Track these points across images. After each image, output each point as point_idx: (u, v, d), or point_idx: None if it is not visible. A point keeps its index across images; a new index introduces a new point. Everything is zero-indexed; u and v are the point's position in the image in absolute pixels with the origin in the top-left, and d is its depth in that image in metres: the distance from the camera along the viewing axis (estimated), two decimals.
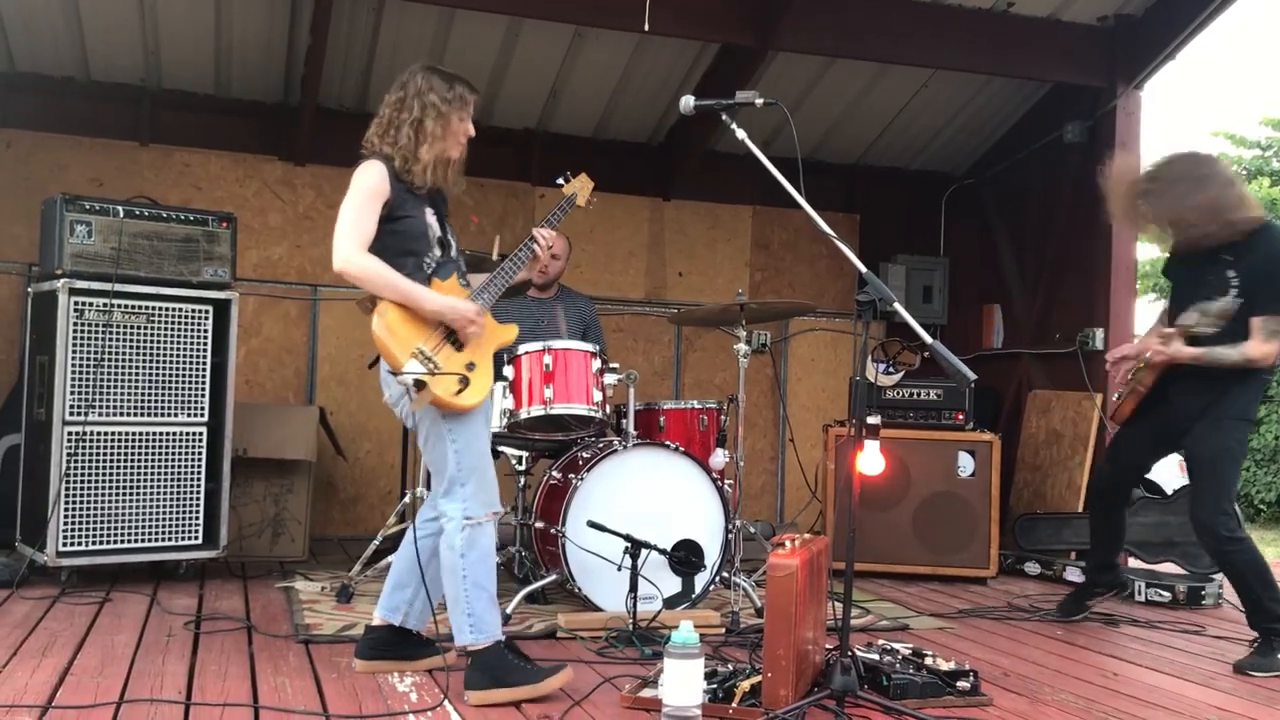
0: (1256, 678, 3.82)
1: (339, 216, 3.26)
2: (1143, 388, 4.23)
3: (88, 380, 4.55)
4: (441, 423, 3.22)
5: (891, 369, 5.62)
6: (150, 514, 4.67)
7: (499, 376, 4.11)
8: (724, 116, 3.51)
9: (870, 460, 3.21)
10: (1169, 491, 6.18)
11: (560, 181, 3.75)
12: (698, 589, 4.38)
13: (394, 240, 3.27)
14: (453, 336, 3.25)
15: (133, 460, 4.64)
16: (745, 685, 3.09)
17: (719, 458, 4.59)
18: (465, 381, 3.19)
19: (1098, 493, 4.60)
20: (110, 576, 4.72)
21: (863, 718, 3.08)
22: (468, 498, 3.22)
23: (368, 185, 3.26)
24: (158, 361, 4.70)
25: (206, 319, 4.81)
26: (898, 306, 3.18)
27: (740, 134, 3.45)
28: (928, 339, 3.15)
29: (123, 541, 4.62)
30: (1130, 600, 5.15)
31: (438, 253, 3.33)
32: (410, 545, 3.42)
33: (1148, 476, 7.14)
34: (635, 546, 4.00)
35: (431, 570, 3.37)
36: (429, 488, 4.69)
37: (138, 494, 4.65)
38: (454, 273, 3.34)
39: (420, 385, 3.12)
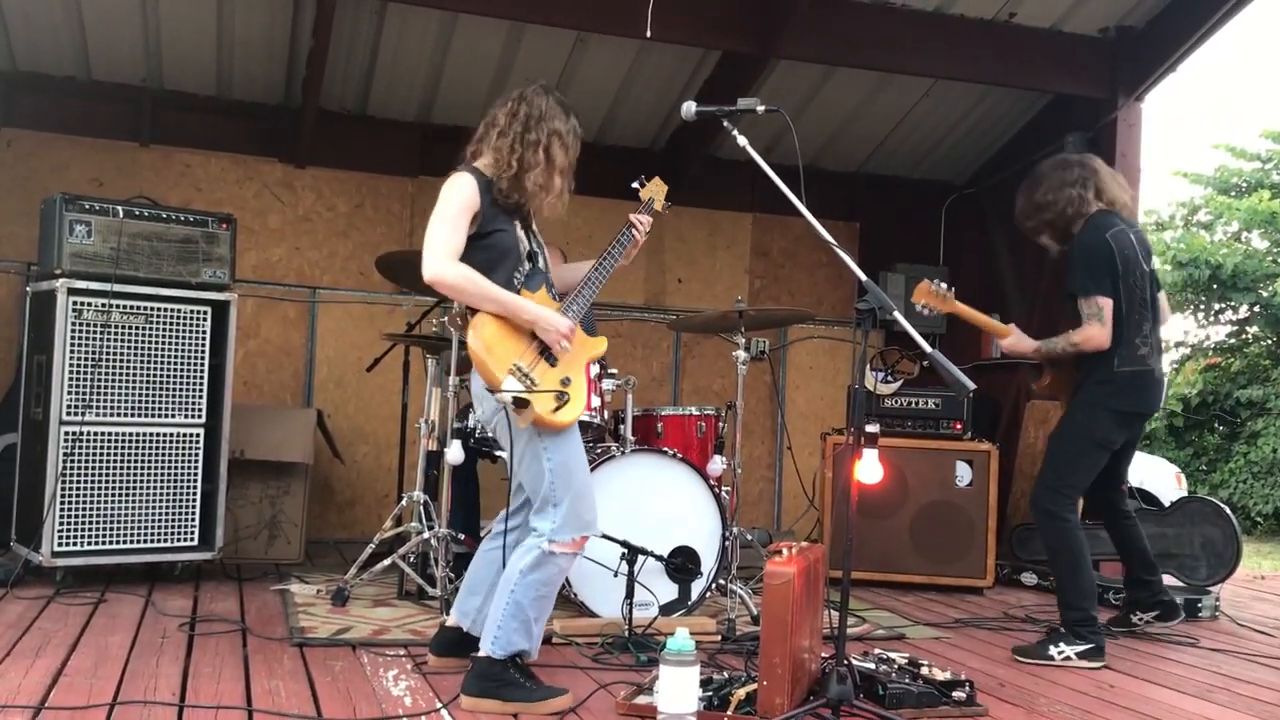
0: (1021, 662, 4.04)
1: (428, 228, 3.20)
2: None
3: (85, 380, 4.54)
4: (537, 440, 3.16)
5: (890, 378, 5.61)
6: (146, 515, 4.66)
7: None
8: (725, 123, 3.51)
9: (869, 469, 3.21)
10: (1165, 504, 6.18)
11: (636, 186, 3.70)
12: (694, 596, 4.37)
13: (484, 255, 3.22)
14: (547, 351, 3.20)
15: (129, 461, 4.63)
16: (741, 693, 3.08)
17: (717, 464, 4.59)
18: (562, 398, 3.15)
19: (1088, 502, 4.66)
20: (105, 577, 4.71)
21: None
22: (558, 519, 3.16)
23: (459, 198, 3.20)
24: (155, 362, 4.70)
25: (205, 320, 4.80)
26: (897, 315, 3.17)
27: (741, 140, 3.45)
28: (927, 348, 3.15)
29: (118, 542, 4.61)
30: None
31: (527, 266, 3.30)
32: (485, 553, 3.46)
33: (1144, 489, 7.15)
34: (632, 552, 4.00)
35: (501, 580, 3.38)
36: (426, 492, 4.70)
37: (134, 495, 4.64)
38: (543, 284, 3.31)
39: (522, 404, 3.06)
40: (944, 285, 4.37)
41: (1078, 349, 4.16)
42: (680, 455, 4.43)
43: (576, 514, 3.19)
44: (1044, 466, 4.30)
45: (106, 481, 4.59)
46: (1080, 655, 4.02)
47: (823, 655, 3.44)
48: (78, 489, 4.53)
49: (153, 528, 4.68)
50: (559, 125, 3.29)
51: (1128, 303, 4.15)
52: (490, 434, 3.38)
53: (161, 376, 4.71)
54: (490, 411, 3.24)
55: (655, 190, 3.71)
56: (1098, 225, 4.20)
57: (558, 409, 3.14)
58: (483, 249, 3.23)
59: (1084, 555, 4.13)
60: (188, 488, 4.76)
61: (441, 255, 3.15)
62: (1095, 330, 4.10)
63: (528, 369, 3.14)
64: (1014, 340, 4.32)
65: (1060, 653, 4.03)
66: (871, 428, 3.24)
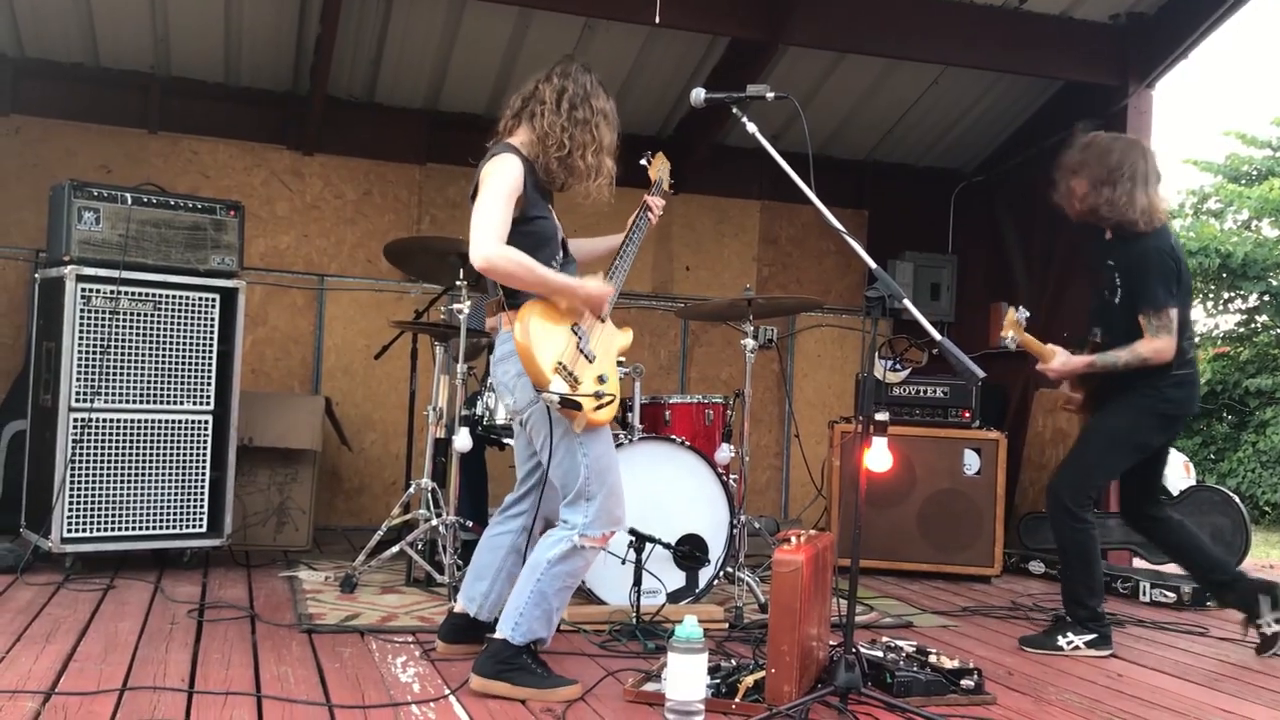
0: (1029, 652, 4.02)
1: (475, 211, 3.10)
2: (1073, 405, 4.27)
3: (94, 367, 4.54)
4: (573, 436, 3.13)
5: (898, 366, 5.60)
6: (155, 502, 4.67)
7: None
8: (735, 110, 3.50)
9: (878, 457, 3.20)
10: (1174, 493, 6.15)
11: (644, 163, 3.64)
12: (701, 584, 4.37)
13: (526, 241, 3.13)
14: (584, 347, 3.17)
15: (138, 447, 4.64)
16: (749, 681, 3.08)
17: (724, 452, 4.59)
18: (602, 397, 3.12)
19: (1125, 516, 4.42)
20: (114, 563, 4.72)
21: (866, 715, 3.07)
22: (591, 513, 3.14)
23: (508, 181, 3.11)
24: (164, 349, 4.70)
25: (213, 307, 4.81)
26: (907, 303, 3.16)
27: (751, 127, 3.43)
28: (937, 336, 3.13)
29: (127, 529, 4.62)
30: (1135, 601, 5.14)
31: (561, 254, 3.27)
32: (490, 538, 3.44)
33: None
34: (639, 540, 3.99)
35: (508, 566, 3.38)
36: (434, 479, 4.71)
37: (142, 481, 4.65)
38: (576, 272, 3.29)
39: (573, 405, 3.03)
40: (1025, 314, 4.12)
41: (1147, 363, 3.97)
42: (688, 443, 4.43)
43: (609, 510, 3.18)
44: (1071, 464, 4.17)
45: (115, 468, 4.59)
46: (1089, 645, 4.02)
47: (830, 643, 3.44)
48: (87, 476, 4.54)
49: (161, 514, 4.69)
50: (603, 104, 3.24)
51: (1183, 308, 4.04)
52: (518, 423, 3.33)
53: (170, 363, 4.71)
54: (525, 402, 3.18)
55: (661, 168, 3.66)
56: (1162, 233, 4.04)
57: (599, 407, 3.12)
58: (524, 235, 3.15)
59: (1096, 555, 4.09)
60: (196, 475, 4.77)
61: (491, 239, 3.04)
62: (1165, 343, 3.95)
63: (570, 366, 3.11)
64: (1062, 360, 4.08)
65: (1069, 643, 4.02)
66: (881, 416, 3.23)
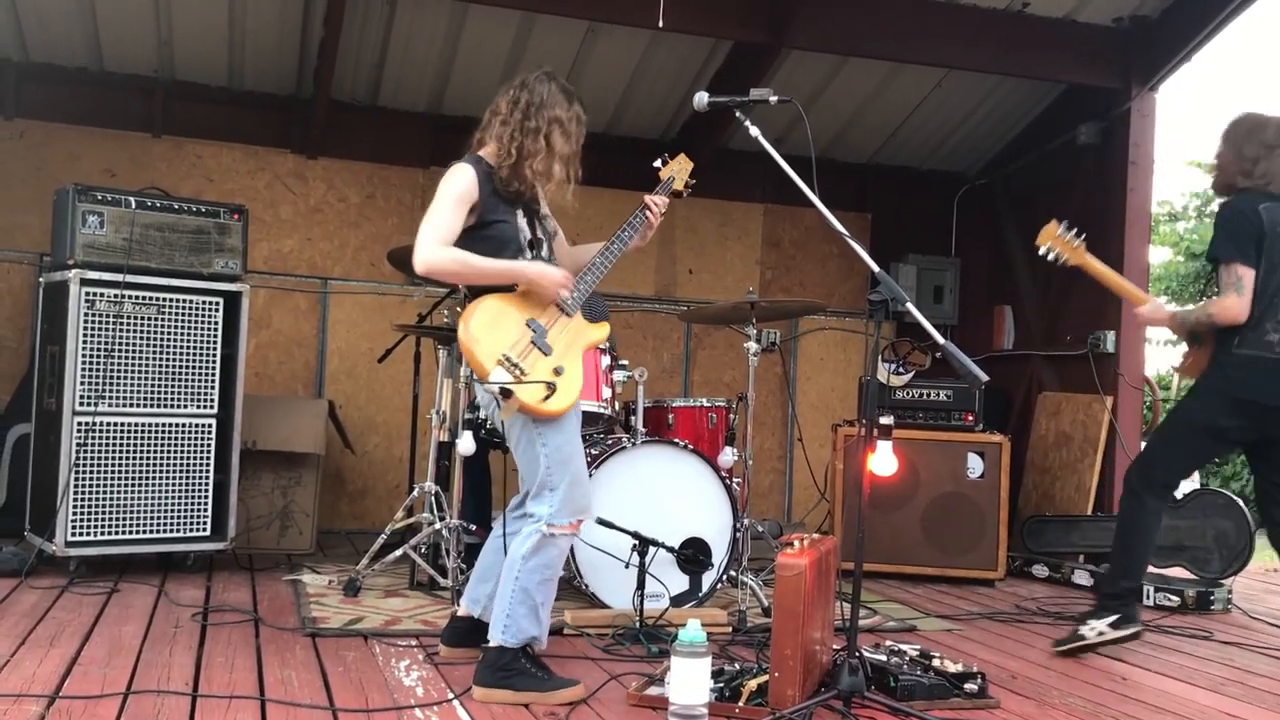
0: (1060, 652, 4.01)
1: (423, 220, 3.24)
2: (1182, 364, 4.20)
3: (98, 371, 4.55)
4: (532, 427, 3.18)
5: (901, 369, 5.60)
6: (159, 505, 4.68)
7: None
8: (738, 113, 3.50)
9: (883, 461, 3.20)
10: (1178, 496, 6.15)
11: (658, 165, 3.65)
12: (705, 587, 4.38)
13: (484, 246, 3.24)
14: (540, 340, 3.21)
15: (142, 451, 4.64)
16: (752, 684, 3.08)
17: (727, 456, 4.59)
18: (552, 387, 3.15)
19: (1267, 530, 4.21)
20: (118, 567, 4.73)
21: (869, 719, 3.07)
22: (555, 503, 3.19)
23: (453, 188, 3.25)
24: (168, 353, 4.71)
25: (217, 311, 4.81)
26: (910, 306, 3.17)
27: (754, 131, 3.44)
28: (941, 340, 3.13)
29: (131, 532, 4.62)
30: (1139, 604, 5.13)
31: (528, 255, 3.32)
32: (496, 539, 3.46)
33: None
34: (643, 544, 3.99)
35: None
36: (438, 483, 4.71)
37: (146, 485, 4.65)
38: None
39: (507, 394, 3.08)
40: (1075, 231, 4.06)
41: (1213, 320, 3.84)
42: (691, 447, 4.43)
43: (573, 498, 3.21)
44: (1149, 441, 4.20)
45: (119, 472, 4.60)
46: (1112, 625, 3.96)
47: (834, 647, 3.43)
48: (91, 479, 4.54)
49: (165, 518, 4.70)
50: (560, 112, 3.30)
51: (1265, 281, 3.80)
52: (493, 421, 3.40)
53: (174, 367, 4.71)
54: (487, 399, 3.28)
55: (678, 169, 3.64)
56: (1251, 195, 3.89)
57: (547, 398, 3.14)
58: (482, 239, 3.25)
59: (1138, 536, 4.00)
60: (200, 478, 4.77)
61: (430, 244, 3.18)
62: (1232, 301, 3.78)
63: (517, 359, 3.14)
64: (1151, 309, 4.07)
65: (1092, 629, 3.98)
66: (885, 419, 3.23)
